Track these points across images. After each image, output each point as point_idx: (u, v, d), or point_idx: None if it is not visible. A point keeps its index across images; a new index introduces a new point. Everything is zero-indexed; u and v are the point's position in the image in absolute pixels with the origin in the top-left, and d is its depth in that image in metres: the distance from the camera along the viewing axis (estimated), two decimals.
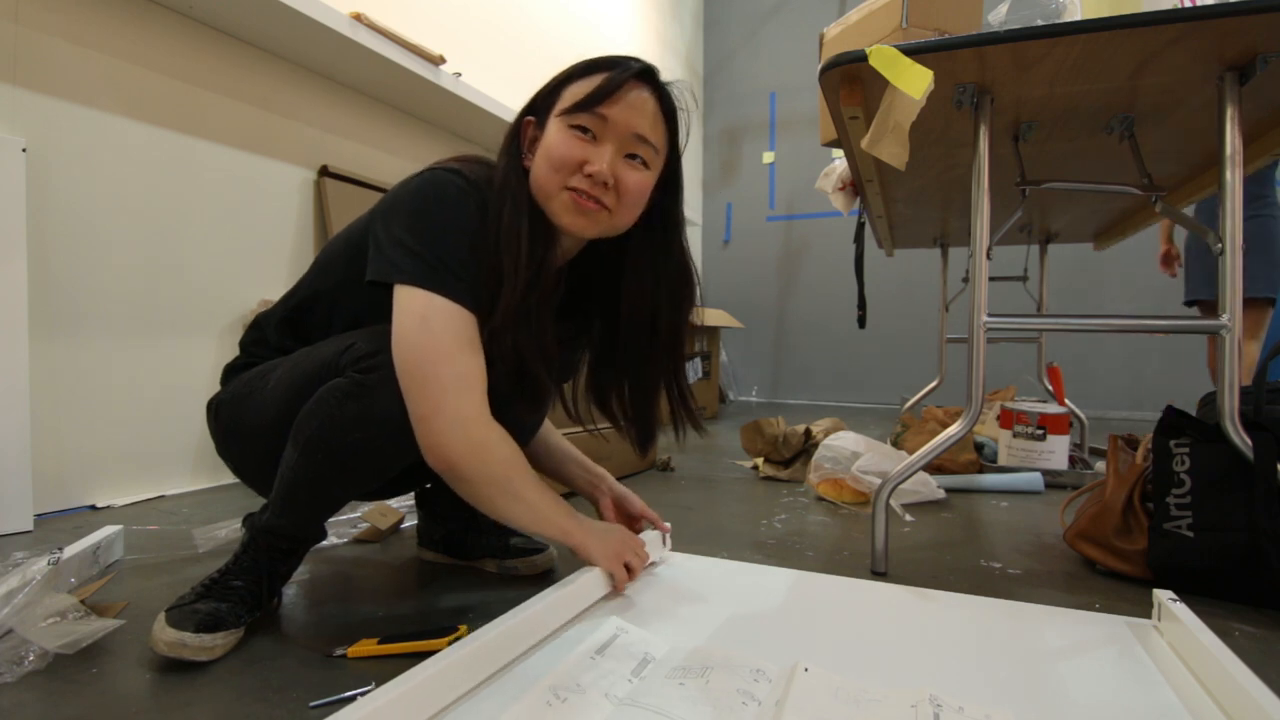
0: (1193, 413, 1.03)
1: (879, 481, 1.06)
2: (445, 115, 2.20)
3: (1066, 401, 1.95)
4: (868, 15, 1.36)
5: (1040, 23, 0.97)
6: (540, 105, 0.80)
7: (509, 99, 2.21)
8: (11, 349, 1.22)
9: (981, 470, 1.77)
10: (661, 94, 0.80)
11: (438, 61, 1.95)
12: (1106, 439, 1.13)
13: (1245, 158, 1.12)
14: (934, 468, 1.74)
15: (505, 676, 0.62)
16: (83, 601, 0.78)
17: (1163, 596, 0.76)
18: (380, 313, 0.73)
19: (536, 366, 0.77)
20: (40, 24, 1.31)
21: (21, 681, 0.66)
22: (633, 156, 0.78)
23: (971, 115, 1.03)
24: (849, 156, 1.34)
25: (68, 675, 0.68)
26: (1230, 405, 0.92)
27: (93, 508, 1.39)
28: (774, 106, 4.23)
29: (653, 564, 0.95)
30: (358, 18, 1.69)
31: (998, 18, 1.05)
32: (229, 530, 1.14)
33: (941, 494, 1.53)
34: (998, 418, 1.81)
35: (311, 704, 0.62)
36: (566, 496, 1.22)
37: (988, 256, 1.01)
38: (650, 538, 0.96)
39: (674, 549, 1.04)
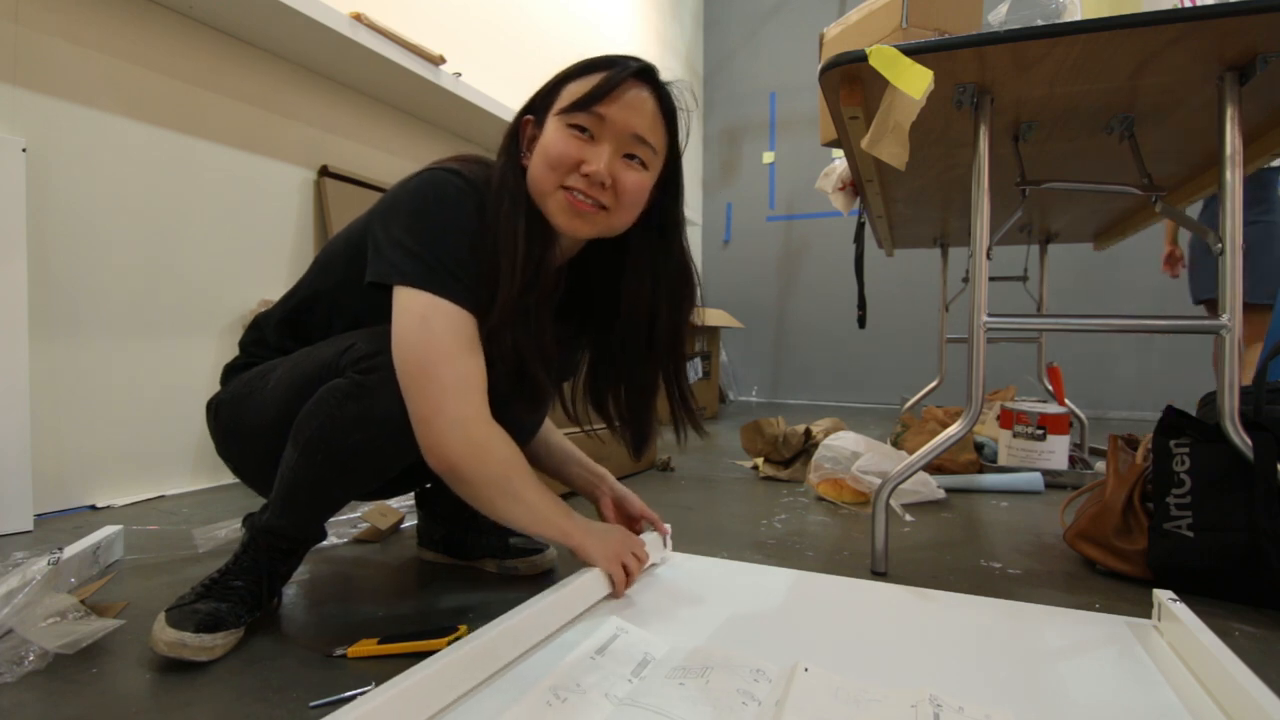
0: (1193, 413, 1.03)
1: (879, 481, 1.06)
2: (445, 115, 2.20)
3: (1066, 401, 1.95)
4: (868, 15, 1.36)
5: (1040, 23, 0.97)
6: (539, 104, 0.80)
7: (509, 99, 2.21)
8: (11, 349, 1.22)
9: (981, 470, 1.77)
10: (661, 94, 0.79)
11: (438, 61, 1.95)
12: (1106, 439, 1.13)
13: (1245, 158, 1.12)
14: (934, 468, 1.74)
15: (505, 676, 0.62)
16: (83, 601, 0.78)
17: (1163, 596, 0.76)
18: (380, 313, 0.73)
19: (535, 366, 0.76)
20: (40, 24, 1.31)
21: (21, 681, 0.66)
22: (630, 157, 0.77)
23: (971, 115, 1.03)
24: (849, 156, 1.34)
25: (68, 675, 0.68)
26: (1230, 405, 0.92)
27: (93, 508, 1.39)
28: (774, 106, 4.23)
29: (652, 565, 0.95)
30: (358, 18, 1.69)
31: (998, 18, 1.05)
32: (229, 530, 1.14)
33: (941, 494, 1.53)
34: (998, 418, 1.81)
35: (311, 704, 0.62)
36: (566, 497, 1.22)
37: (988, 256, 1.01)
38: (650, 539, 0.95)
39: (674, 549, 1.04)
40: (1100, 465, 1.74)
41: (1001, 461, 1.75)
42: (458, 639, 0.66)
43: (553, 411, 0.98)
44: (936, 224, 2.02)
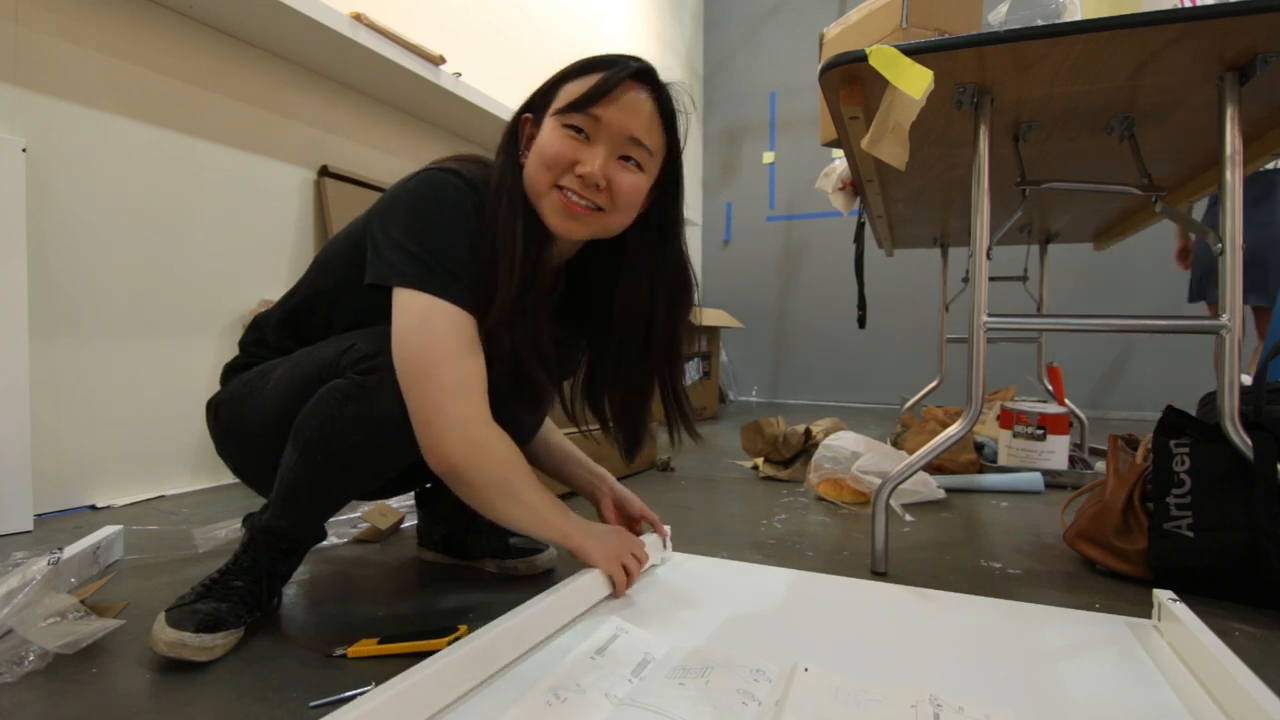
0: (1193, 413, 1.03)
1: (879, 481, 1.06)
2: (445, 115, 2.20)
3: (1066, 401, 1.95)
4: (868, 15, 1.36)
5: (1040, 23, 0.97)
6: (538, 103, 0.80)
7: (509, 99, 2.21)
8: (11, 349, 1.22)
9: (981, 470, 1.77)
10: (660, 95, 0.78)
11: (438, 61, 1.95)
12: (1106, 439, 1.13)
13: (1245, 158, 1.12)
14: (934, 468, 1.74)
15: (505, 677, 0.62)
16: (83, 601, 0.78)
17: (1163, 596, 0.76)
18: (381, 313, 0.73)
19: (533, 366, 0.76)
20: (40, 24, 1.31)
21: (21, 681, 0.66)
22: (626, 159, 0.77)
23: (971, 115, 1.03)
24: (849, 156, 1.34)
25: (68, 675, 0.68)
26: (1230, 405, 0.92)
27: (93, 508, 1.39)
28: (774, 106, 4.23)
29: (652, 566, 0.95)
30: (358, 18, 1.69)
31: (998, 18, 1.05)
32: (229, 530, 1.14)
33: (941, 494, 1.53)
34: (998, 418, 1.81)
35: (311, 704, 0.62)
36: (566, 497, 1.22)
37: (988, 256, 1.01)
38: (650, 540, 0.95)
39: (674, 549, 1.04)
40: (1100, 465, 1.74)
41: (1001, 461, 1.75)
42: (458, 639, 0.66)
43: (553, 411, 0.98)
44: (936, 224, 2.02)
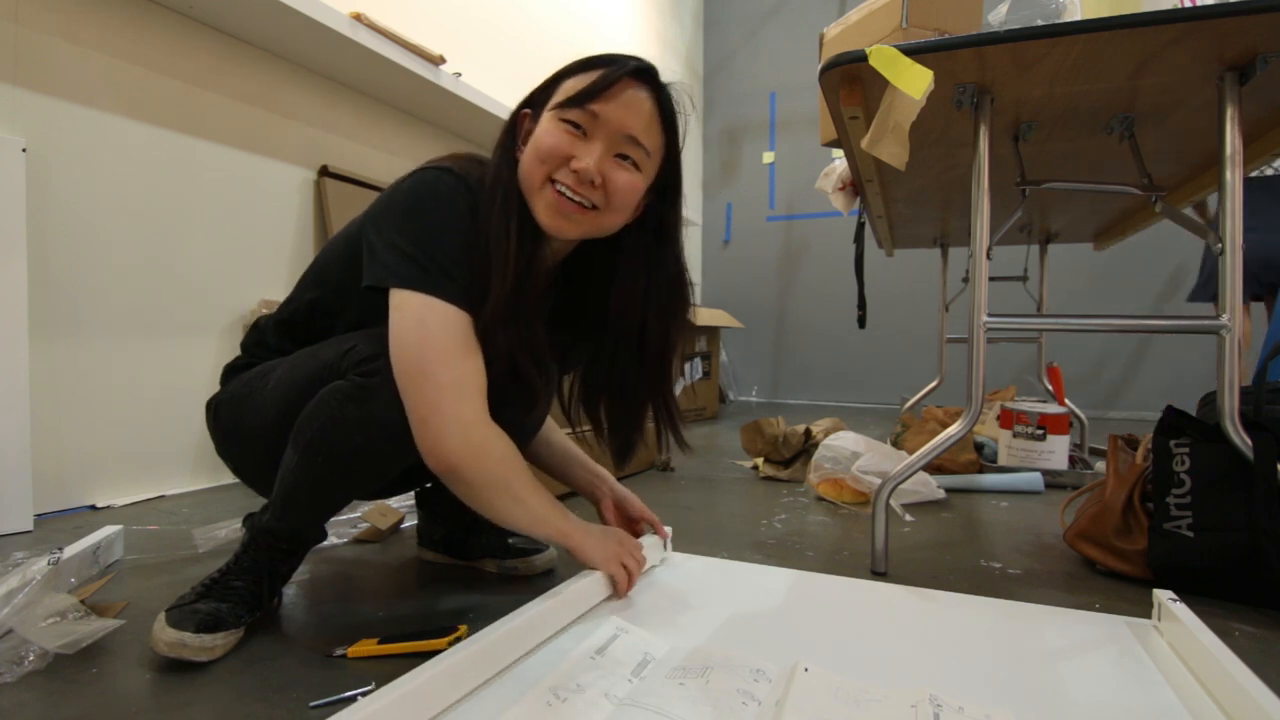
0: (1193, 413, 1.03)
1: (879, 481, 1.06)
2: (445, 115, 2.20)
3: (1066, 401, 1.94)
4: (868, 15, 1.36)
5: (1040, 23, 0.97)
6: (537, 99, 0.80)
7: (509, 99, 2.19)
8: (11, 349, 1.22)
9: (981, 470, 1.77)
10: (660, 95, 0.78)
11: (438, 61, 1.95)
12: (1106, 439, 1.13)
13: (1245, 158, 1.12)
14: (934, 468, 1.74)
15: (505, 677, 0.62)
16: (83, 601, 0.78)
17: (1163, 596, 0.76)
18: (380, 315, 0.73)
19: (527, 366, 0.76)
20: (40, 24, 1.31)
21: (21, 681, 0.66)
22: (623, 157, 0.76)
23: (971, 115, 1.03)
24: (849, 156, 1.34)
25: (68, 675, 0.68)
26: (1230, 405, 0.92)
27: (93, 508, 1.39)
28: (774, 106, 4.23)
29: (651, 567, 0.95)
30: (358, 18, 1.69)
31: (998, 18, 1.05)
32: (229, 530, 1.14)
33: (941, 494, 1.53)
34: (998, 418, 1.81)
35: (311, 704, 0.62)
36: (566, 497, 1.22)
37: (988, 256, 1.01)
38: (649, 541, 0.95)
39: (674, 549, 1.04)
40: (1100, 465, 1.74)
41: (1001, 461, 1.75)
42: (458, 639, 0.67)
43: (553, 411, 0.98)
44: (936, 224, 2.02)
